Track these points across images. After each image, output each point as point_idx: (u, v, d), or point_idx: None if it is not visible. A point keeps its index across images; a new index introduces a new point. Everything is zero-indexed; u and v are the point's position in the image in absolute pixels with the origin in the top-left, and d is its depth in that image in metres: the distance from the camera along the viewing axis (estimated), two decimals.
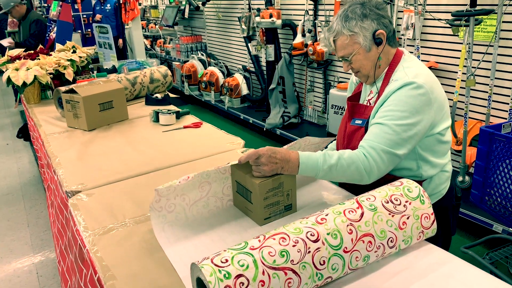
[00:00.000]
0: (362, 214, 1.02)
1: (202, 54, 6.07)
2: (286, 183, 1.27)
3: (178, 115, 2.34)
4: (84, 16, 8.92)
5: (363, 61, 1.36)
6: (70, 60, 3.01)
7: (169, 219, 1.25)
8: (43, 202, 3.53)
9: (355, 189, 1.44)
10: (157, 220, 1.23)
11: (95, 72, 3.50)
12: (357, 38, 1.32)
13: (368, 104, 1.44)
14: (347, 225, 0.99)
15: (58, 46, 3.30)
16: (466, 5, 2.69)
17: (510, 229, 2.40)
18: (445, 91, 3.20)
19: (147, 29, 7.68)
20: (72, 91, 2.24)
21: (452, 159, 3.21)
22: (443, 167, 1.42)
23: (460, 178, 2.80)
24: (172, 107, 2.57)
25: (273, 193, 1.25)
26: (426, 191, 1.35)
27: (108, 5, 6.94)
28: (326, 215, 1.01)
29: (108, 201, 1.45)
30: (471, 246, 2.52)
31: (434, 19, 3.01)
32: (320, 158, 1.25)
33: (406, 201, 1.09)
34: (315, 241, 0.94)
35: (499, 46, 2.61)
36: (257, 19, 4.45)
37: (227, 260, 0.88)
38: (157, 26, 7.34)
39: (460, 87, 2.67)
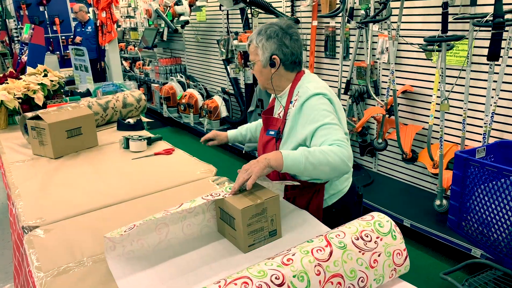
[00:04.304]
0: (331, 253, 0.97)
1: (181, 76, 6.03)
2: (269, 209, 1.24)
3: (150, 141, 2.27)
4: (63, 37, 8.84)
5: (258, 72, 1.60)
6: (41, 84, 2.92)
7: (130, 264, 1.18)
8: (10, 232, 3.37)
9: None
10: (117, 268, 1.15)
11: (69, 95, 3.41)
12: (258, 51, 1.56)
13: (279, 117, 1.63)
14: (315, 266, 0.94)
15: (29, 69, 3.21)
16: (438, 30, 2.73)
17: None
18: (421, 115, 3.24)
19: (126, 51, 7.63)
20: (38, 117, 2.15)
21: (429, 182, 3.22)
22: None
23: (437, 202, 2.78)
24: (145, 133, 2.50)
25: (257, 219, 1.22)
26: (327, 192, 1.59)
27: (89, 27, 6.88)
28: (293, 254, 0.95)
29: (66, 238, 1.36)
30: (450, 272, 2.48)
31: (408, 44, 3.05)
32: (300, 148, 1.36)
33: (377, 237, 1.04)
34: (280, 285, 0.88)
35: (471, 71, 2.64)
36: (235, 42, 4.45)
37: None
38: (136, 48, 7.29)
39: (435, 111, 2.68)
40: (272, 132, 1.61)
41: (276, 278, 0.89)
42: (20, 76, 3.15)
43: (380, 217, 1.09)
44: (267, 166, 1.29)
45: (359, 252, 1.00)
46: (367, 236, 1.03)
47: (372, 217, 1.10)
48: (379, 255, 1.02)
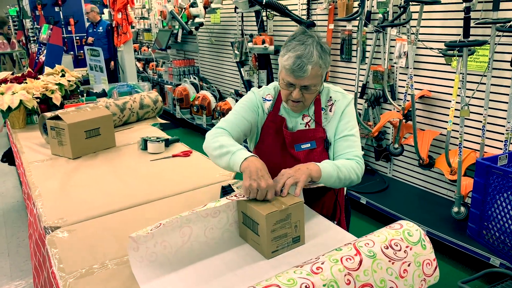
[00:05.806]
0: (360, 262, 0.95)
1: (195, 78, 6.04)
2: (294, 215, 1.22)
3: (167, 143, 2.27)
4: (77, 38, 8.92)
5: (315, 92, 1.48)
6: (59, 84, 2.94)
7: (153, 269, 1.17)
8: (25, 230, 3.39)
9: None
10: (140, 273, 1.15)
11: (84, 95, 3.43)
12: (323, 71, 1.44)
13: (308, 127, 1.55)
14: (345, 275, 0.92)
15: (47, 69, 3.24)
16: (458, 35, 2.69)
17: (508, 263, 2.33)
18: (439, 120, 3.19)
19: (139, 52, 7.67)
20: (57, 117, 2.16)
21: (445, 188, 3.17)
22: None
23: (455, 209, 2.74)
24: (162, 134, 2.50)
25: (281, 225, 1.20)
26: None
27: (101, 27, 6.93)
28: (322, 263, 0.94)
29: (89, 239, 1.36)
30: (469, 280, 2.44)
31: (427, 48, 3.01)
32: (328, 162, 1.41)
33: (407, 246, 1.02)
34: None
35: (492, 76, 2.60)
36: (250, 44, 4.45)
37: None
38: (149, 49, 7.33)
39: (454, 116, 2.64)
40: (307, 145, 1.54)
41: (306, 286, 0.87)
42: (38, 76, 3.18)
43: (409, 226, 1.07)
44: (309, 176, 1.32)
45: (389, 261, 0.98)
46: (397, 245, 1.01)
47: (400, 225, 1.08)
48: (408, 265, 1.00)
